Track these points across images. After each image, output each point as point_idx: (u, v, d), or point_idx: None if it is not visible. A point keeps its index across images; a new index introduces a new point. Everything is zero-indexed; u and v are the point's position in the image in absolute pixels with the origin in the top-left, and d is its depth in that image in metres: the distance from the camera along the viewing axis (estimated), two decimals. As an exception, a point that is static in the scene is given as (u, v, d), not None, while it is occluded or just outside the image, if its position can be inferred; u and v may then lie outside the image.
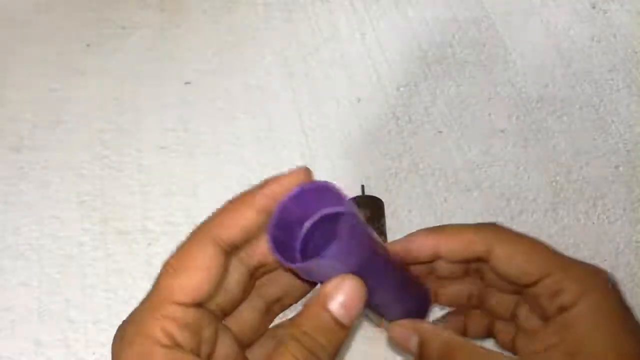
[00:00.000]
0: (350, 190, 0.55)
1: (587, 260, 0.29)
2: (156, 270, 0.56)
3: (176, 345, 0.25)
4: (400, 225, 0.53)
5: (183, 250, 0.28)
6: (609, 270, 0.29)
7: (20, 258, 0.53)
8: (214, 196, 0.56)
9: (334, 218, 0.28)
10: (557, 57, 0.64)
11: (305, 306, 0.27)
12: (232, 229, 0.27)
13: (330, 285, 0.26)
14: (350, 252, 0.26)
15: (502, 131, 0.59)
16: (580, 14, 0.68)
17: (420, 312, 0.33)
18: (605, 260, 0.52)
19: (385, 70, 0.64)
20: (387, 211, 0.52)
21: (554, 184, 0.56)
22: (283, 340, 0.26)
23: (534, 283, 0.29)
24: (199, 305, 0.26)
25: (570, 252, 0.30)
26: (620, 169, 0.57)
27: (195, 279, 0.26)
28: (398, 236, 0.52)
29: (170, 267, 0.28)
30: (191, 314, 0.26)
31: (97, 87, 0.64)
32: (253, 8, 0.69)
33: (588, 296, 0.28)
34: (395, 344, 0.30)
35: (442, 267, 0.32)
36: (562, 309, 0.28)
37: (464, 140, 0.59)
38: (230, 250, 0.28)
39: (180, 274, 0.27)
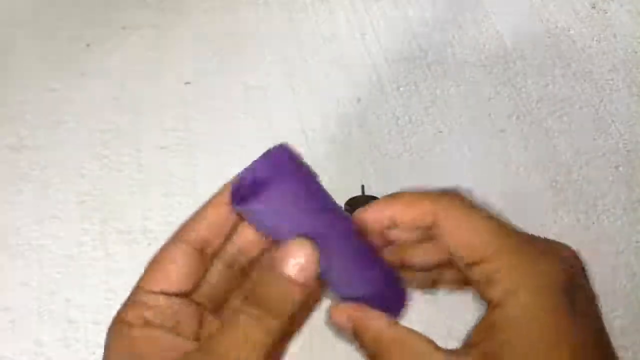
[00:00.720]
0: (351, 191, 0.55)
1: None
2: (156, 270, 0.56)
3: (148, 324, 0.26)
4: (400, 225, 0.53)
5: (158, 252, 0.29)
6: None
7: (20, 258, 0.53)
8: (214, 196, 0.56)
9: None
10: (557, 57, 0.64)
11: (259, 266, 0.27)
12: (198, 226, 0.28)
13: (281, 249, 0.26)
14: (286, 203, 0.26)
15: (502, 131, 0.59)
16: (580, 14, 0.68)
17: (388, 306, 0.30)
18: (605, 260, 0.52)
19: (385, 70, 0.64)
20: (387, 211, 0.52)
21: (554, 184, 0.56)
22: (235, 310, 0.25)
23: (472, 264, 0.27)
24: (175, 295, 0.27)
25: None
26: (620, 169, 0.57)
27: (165, 270, 0.28)
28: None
29: (146, 266, 0.29)
30: (162, 300, 0.27)
31: (97, 87, 0.64)
32: (253, 8, 0.69)
33: (519, 295, 0.25)
34: (335, 329, 0.29)
35: (400, 235, 0.30)
36: (492, 305, 0.25)
37: (464, 140, 0.59)
38: (202, 247, 0.28)
39: (153, 268, 0.28)
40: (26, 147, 0.60)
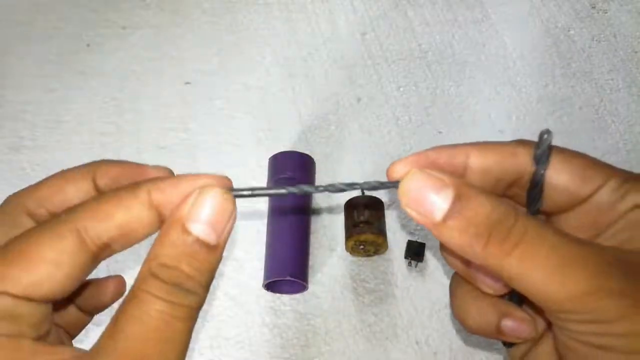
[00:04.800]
0: (351, 191, 0.55)
1: None
2: (156, 270, 0.56)
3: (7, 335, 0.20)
4: (400, 225, 0.53)
5: (33, 233, 0.21)
6: None
7: (20, 258, 0.53)
8: (214, 196, 0.56)
9: None
10: (557, 57, 0.64)
11: (161, 232, 0.22)
12: (108, 223, 0.22)
13: (188, 202, 0.21)
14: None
15: (502, 131, 0.59)
16: (580, 14, 0.68)
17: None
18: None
19: (385, 70, 0.64)
20: (387, 211, 0.52)
21: (554, 184, 0.56)
22: (137, 280, 0.21)
23: (590, 195, 0.24)
24: (30, 299, 0.21)
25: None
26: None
27: (35, 273, 0.21)
28: (398, 236, 0.52)
29: (10, 250, 0.21)
30: (21, 307, 0.21)
31: (97, 87, 0.64)
32: (253, 8, 0.69)
33: None
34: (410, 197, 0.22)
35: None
36: (634, 207, 0.23)
37: (464, 140, 0.59)
38: (100, 251, 0.22)
39: (20, 262, 0.21)
40: (26, 147, 0.60)
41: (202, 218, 0.21)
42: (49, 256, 0.21)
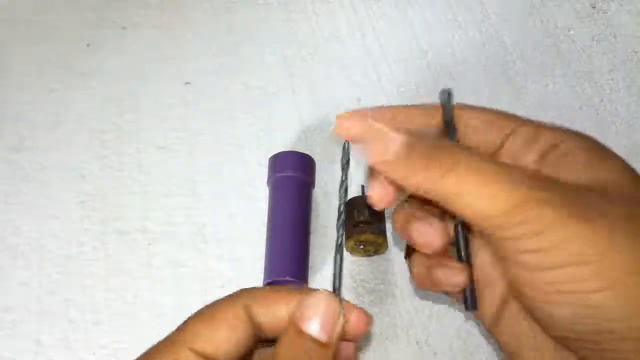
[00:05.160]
0: (351, 191, 0.55)
1: None
2: (156, 270, 0.57)
3: None
4: (400, 225, 0.53)
5: (216, 303, 0.27)
6: None
7: (20, 258, 0.53)
8: (214, 196, 0.56)
9: None
10: (557, 57, 0.64)
11: (282, 334, 0.25)
12: (266, 310, 0.26)
13: (302, 306, 0.25)
14: None
15: (502, 131, 0.59)
16: (580, 14, 0.68)
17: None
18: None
19: (385, 70, 0.64)
20: (387, 211, 0.52)
21: (554, 184, 0.56)
22: None
23: (503, 140, 0.28)
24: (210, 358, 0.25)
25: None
26: (620, 169, 0.57)
27: (219, 333, 0.25)
28: (398, 236, 0.52)
29: (200, 314, 0.27)
30: None
31: (97, 87, 0.64)
32: (253, 8, 0.69)
33: (574, 134, 0.27)
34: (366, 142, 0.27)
35: None
36: (551, 148, 0.26)
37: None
38: (257, 331, 0.26)
39: (207, 323, 0.26)
40: (26, 147, 0.60)
41: (316, 320, 0.24)
42: (229, 321, 0.25)
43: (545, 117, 0.60)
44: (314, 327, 0.24)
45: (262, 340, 0.27)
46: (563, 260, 0.22)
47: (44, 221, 0.55)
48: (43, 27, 0.68)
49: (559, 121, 0.61)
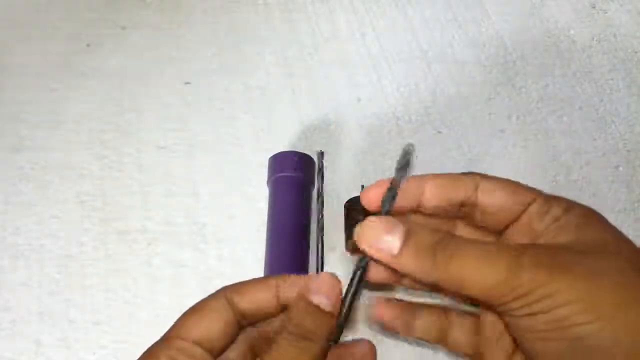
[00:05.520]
0: (350, 191, 0.55)
1: None
2: (156, 270, 0.57)
3: None
4: (400, 225, 0.53)
5: (202, 300, 0.31)
6: None
7: (20, 258, 0.53)
8: (214, 196, 0.56)
9: None
10: (557, 57, 0.64)
11: (291, 305, 0.30)
12: (245, 298, 0.31)
13: (310, 282, 0.30)
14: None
15: (502, 131, 0.59)
16: (580, 14, 0.68)
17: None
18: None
19: (385, 70, 0.64)
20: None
21: (554, 184, 0.56)
22: (276, 337, 0.29)
23: (523, 211, 0.31)
24: (209, 351, 0.29)
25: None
26: (620, 169, 0.57)
27: (205, 321, 0.30)
28: (398, 236, 0.52)
29: (189, 310, 0.31)
30: (198, 351, 0.29)
31: (97, 87, 0.64)
32: (253, 8, 0.69)
33: (577, 206, 0.30)
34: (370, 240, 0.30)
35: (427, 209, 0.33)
36: (556, 219, 0.29)
37: (464, 140, 0.59)
38: (240, 317, 0.31)
39: (195, 315, 0.30)
40: (26, 147, 0.60)
41: (321, 292, 0.29)
42: (213, 308, 0.30)
43: (545, 117, 0.61)
44: (321, 298, 0.29)
45: (244, 325, 0.32)
46: (555, 305, 0.25)
47: (44, 221, 0.55)
48: (43, 27, 0.68)
49: (559, 121, 0.61)
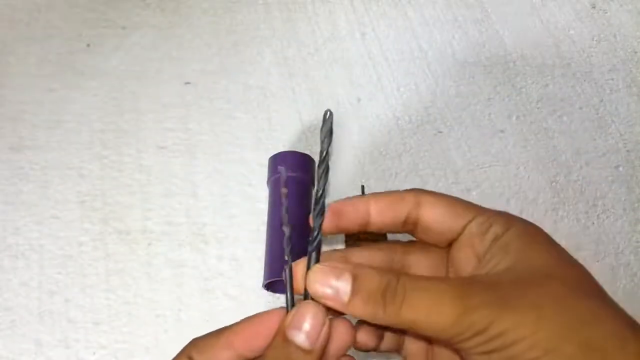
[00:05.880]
0: (350, 191, 0.55)
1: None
2: (156, 270, 0.57)
3: None
4: (400, 225, 0.53)
5: (255, 316, 0.31)
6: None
7: (20, 258, 0.53)
8: (214, 196, 0.56)
9: None
10: (557, 57, 0.64)
11: (270, 341, 0.28)
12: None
13: (290, 315, 0.28)
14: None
15: (502, 131, 0.59)
16: (580, 14, 0.68)
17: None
18: (605, 260, 0.52)
19: (385, 70, 0.64)
20: (387, 211, 0.52)
21: (554, 184, 0.56)
22: None
23: (464, 227, 0.31)
24: None
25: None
26: (620, 169, 0.57)
27: (256, 335, 0.29)
28: (398, 236, 0.52)
29: (239, 322, 0.31)
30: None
31: (97, 87, 0.64)
32: (253, 8, 0.69)
33: (518, 223, 0.29)
34: (317, 288, 0.29)
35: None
36: (496, 238, 0.29)
37: (464, 140, 0.59)
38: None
39: (244, 327, 0.30)
40: (26, 147, 0.60)
41: (302, 329, 0.27)
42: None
43: (545, 117, 0.61)
44: (300, 335, 0.27)
45: None
46: (506, 343, 0.26)
47: (44, 221, 0.55)
48: (43, 27, 0.68)
49: (559, 121, 0.61)
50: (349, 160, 0.58)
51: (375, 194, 0.33)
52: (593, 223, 0.53)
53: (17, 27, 0.69)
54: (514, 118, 0.60)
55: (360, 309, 0.27)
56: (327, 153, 0.31)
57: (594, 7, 0.68)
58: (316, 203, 0.30)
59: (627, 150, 0.58)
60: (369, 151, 0.58)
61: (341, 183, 0.56)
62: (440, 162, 0.57)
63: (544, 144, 0.58)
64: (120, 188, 0.57)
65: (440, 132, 0.59)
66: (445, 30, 0.67)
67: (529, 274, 0.27)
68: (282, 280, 0.49)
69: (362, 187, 0.54)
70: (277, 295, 0.51)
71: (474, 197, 0.55)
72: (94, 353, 0.48)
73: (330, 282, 0.28)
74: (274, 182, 0.53)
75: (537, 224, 0.53)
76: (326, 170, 0.31)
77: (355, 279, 0.27)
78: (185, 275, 0.52)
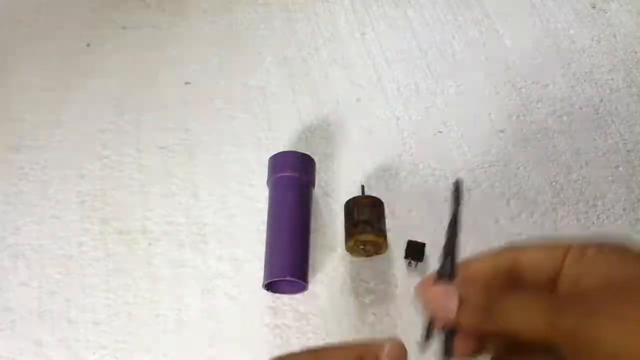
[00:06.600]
0: (351, 190, 0.55)
1: None
2: (156, 270, 0.57)
3: None
4: (400, 225, 0.53)
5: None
6: None
7: (20, 258, 0.53)
8: (214, 196, 0.56)
9: None
10: (557, 57, 0.64)
11: None
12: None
13: (383, 351, 0.32)
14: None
15: (502, 131, 0.59)
16: (580, 14, 0.68)
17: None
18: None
19: (385, 70, 0.64)
20: (387, 211, 0.52)
21: (554, 184, 0.56)
22: None
23: (563, 261, 0.32)
24: None
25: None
26: (620, 169, 0.57)
27: None
28: (398, 236, 0.52)
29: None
30: None
31: (97, 87, 0.64)
32: (253, 8, 0.69)
33: (609, 244, 0.31)
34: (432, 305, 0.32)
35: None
36: (591, 260, 0.31)
37: (464, 140, 0.59)
38: None
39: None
40: (26, 147, 0.60)
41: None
42: None
43: (545, 117, 0.61)
44: None
45: None
46: (598, 351, 0.27)
47: (44, 221, 0.55)
48: (43, 27, 0.68)
49: (559, 121, 0.61)
50: (349, 160, 0.58)
51: (472, 257, 0.35)
52: (593, 223, 0.53)
53: (17, 27, 0.69)
54: (514, 118, 0.60)
55: (469, 317, 0.31)
56: (456, 217, 0.34)
57: (594, 7, 0.68)
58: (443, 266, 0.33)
59: (627, 150, 0.58)
60: (369, 151, 0.58)
61: (341, 183, 0.56)
62: (440, 162, 0.57)
63: (544, 144, 0.58)
64: (120, 188, 0.57)
65: (440, 132, 0.59)
66: (445, 30, 0.67)
67: (620, 286, 0.29)
68: (282, 280, 0.49)
69: (362, 187, 0.54)
70: (278, 295, 0.51)
71: (474, 197, 0.55)
72: (94, 353, 0.48)
73: (441, 300, 0.31)
74: (274, 182, 0.53)
75: (537, 224, 0.53)
76: (454, 232, 0.34)
77: (460, 298, 0.31)
78: (185, 275, 0.52)
